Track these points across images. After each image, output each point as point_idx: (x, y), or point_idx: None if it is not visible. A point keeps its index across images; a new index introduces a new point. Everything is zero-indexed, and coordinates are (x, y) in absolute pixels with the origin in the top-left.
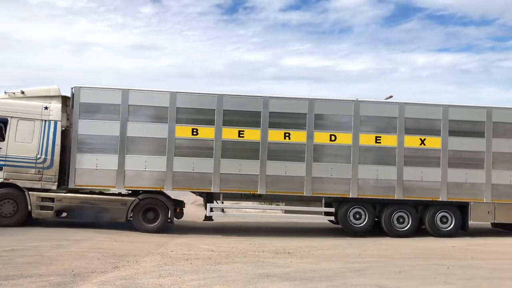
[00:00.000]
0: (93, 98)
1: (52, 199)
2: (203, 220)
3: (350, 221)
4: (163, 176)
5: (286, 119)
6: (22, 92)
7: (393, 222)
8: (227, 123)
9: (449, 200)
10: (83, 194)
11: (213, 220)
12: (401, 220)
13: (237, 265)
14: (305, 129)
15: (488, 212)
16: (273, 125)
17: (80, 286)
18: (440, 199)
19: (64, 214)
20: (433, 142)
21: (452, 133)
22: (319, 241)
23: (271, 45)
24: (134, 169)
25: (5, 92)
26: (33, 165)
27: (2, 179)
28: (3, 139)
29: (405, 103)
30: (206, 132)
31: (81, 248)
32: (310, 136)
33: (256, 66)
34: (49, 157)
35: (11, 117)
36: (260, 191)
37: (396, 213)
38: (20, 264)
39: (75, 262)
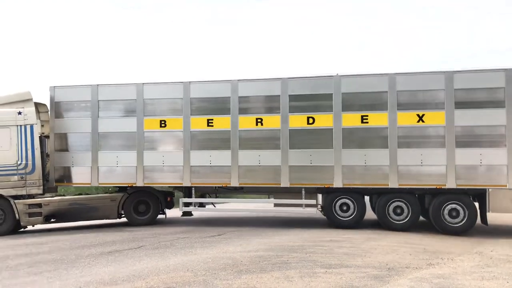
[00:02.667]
0: (67, 97)
1: (39, 205)
2: (181, 216)
3: (336, 213)
4: (134, 171)
5: (257, 103)
6: None
7: (388, 213)
8: (195, 112)
9: (458, 187)
10: (71, 196)
11: (192, 215)
12: (398, 211)
13: None
14: (279, 113)
15: None
16: (243, 111)
17: (396, 280)
18: (447, 187)
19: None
20: (435, 118)
21: (460, 104)
22: None
23: None
24: (107, 165)
25: None
26: (15, 172)
27: None
28: None
29: (396, 73)
30: (175, 124)
31: (391, 242)
32: (284, 121)
33: None
34: (30, 161)
35: None
36: (233, 183)
37: (391, 203)
38: (339, 254)
39: (387, 256)
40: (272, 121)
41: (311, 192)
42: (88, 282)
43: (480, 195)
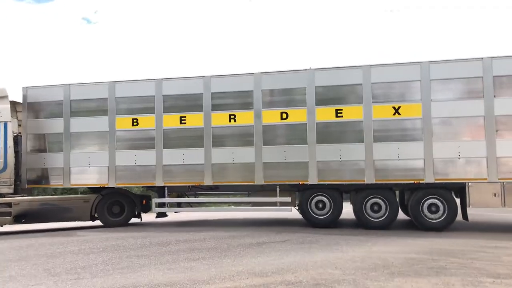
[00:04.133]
0: (39, 97)
1: (9, 204)
2: (156, 218)
3: (312, 211)
4: (106, 171)
5: (230, 99)
6: None
7: (365, 210)
8: (167, 109)
9: (436, 181)
10: (43, 196)
11: (167, 215)
12: (375, 208)
13: None
14: (252, 108)
15: (495, 195)
16: (216, 107)
17: None
18: (425, 181)
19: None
20: (411, 110)
21: (437, 95)
22: None
23: None
24: (79, 166)
25: None
26: None
27: None
28: None
29: (371, 65)
30: (147, 122)
31: None
32: (258, 116)
33: None
34: (1, 160)
35: None
36: (206, 182)
37: (369, 200)
38: (509, 263)
39: None
40: (245, 117)
41: (286, 190)
42: (240, 272)
43: (460, 190)
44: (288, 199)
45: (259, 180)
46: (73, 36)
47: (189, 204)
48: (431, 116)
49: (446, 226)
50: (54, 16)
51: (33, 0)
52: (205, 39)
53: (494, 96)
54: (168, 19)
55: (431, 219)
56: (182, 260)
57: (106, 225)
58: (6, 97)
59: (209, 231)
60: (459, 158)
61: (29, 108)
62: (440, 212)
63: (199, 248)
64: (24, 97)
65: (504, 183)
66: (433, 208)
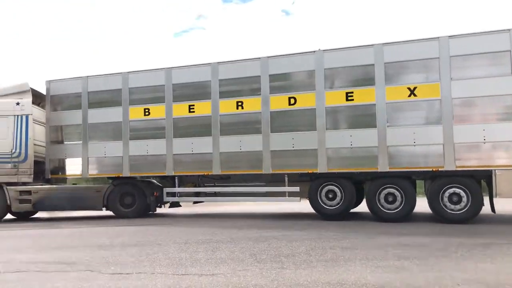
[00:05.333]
0: (60, 90)
1: (29, 192)
2: (169, 207)
3: (322, 202)
4: (121, 161)
5: (237, 85)
6: None
7: (379, 201)
8: (177, 98)
9: (458, 169)
10: (59, 185)
11: (180, 205)
12: (390, 199)
13: None
14: (260, 94)
15: None
16: (224, 94)
17: None
18: (445, 169)
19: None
20: (428, 91)
21: (458, 74)
22: None
23: None
24: (96, 156)
25: None
26: (9, 159)
27: None
28: None
29: (384, 44)
30: (158, 111)
31: None
32: (265, 103)
33: None
34: (23, 150)
35: None
36: (215, 171)
37: (383, 190)
38: None
39: None
40: (253, 104)
41: (295, 180)
42: (468, 280)
43: (486, 178)
44: (297, 188)
45: (266, 169)
46: (275, 30)
47: (198, 194)
48: (451, 97)
49: (469, 218)
50: (257, 12)
51: (239, 0)
52: None
53: None
54: None
55: (453, 210)
56: (390, 257)
57: (118, 215)
58: (28, 91)
59: (415, 225)
60: (484, 143)
61: (52, 101)
62: (463, 203)
63: (409, 244)
64: (47, 90)
65: None
66: (454, 198)
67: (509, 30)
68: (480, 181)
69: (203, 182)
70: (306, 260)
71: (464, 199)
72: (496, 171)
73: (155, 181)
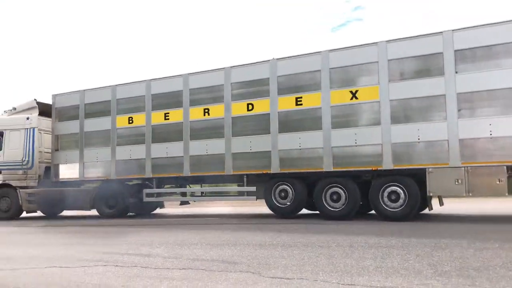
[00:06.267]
0: (64, 102)
1: (35, 194)
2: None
3: (276, 201)
4: (109, 165)
5: (205, 94)
6: (14, 108)
7: (325, 199)
8: (155, 107)
9: (395, 168)
10: (56, 188)
11: (189, 203)
12: (334, 198)
13: None
14: (223, 102)
15: (457, 181)
16: (193, 102)
17: None
18: (383, 168)
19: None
20: (369, 93)
21: (394, 76)
22: None
23: None
24: (89, 161)
25: (4, 111)
26: (20, 167)
27: (2, 181)
28: (1, 149)
29: (330, 50)
30: (139, 119)
31: None
32: (227, 109)
33: None
34: (30, 159)
35: (5, 130)
36: (185, 173)
37: (328, 189)
38: None
39: None
40: (217, 111)
41: (253, 180)
42: None
43: (420, 177)
44: (254, 188)
45: (228, 170)
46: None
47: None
48: (389, 98)
49: (407, 215)
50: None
51: None
52: None
53: (456, 73)
54: None
55: (391, 208)
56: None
57: (102, 216)
58: (35, 107)
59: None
60: (418, 142)
61: (57, 112)
62: (401, 201)
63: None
64: (53, 103)
65: (468, 168)
66: (392, 197)
67: (441, 33)
68: (420, 180)
69: (179, 183)
70: (504, 275)
71: (402, 196)
72: (429, 169)
73: (137, 183)
